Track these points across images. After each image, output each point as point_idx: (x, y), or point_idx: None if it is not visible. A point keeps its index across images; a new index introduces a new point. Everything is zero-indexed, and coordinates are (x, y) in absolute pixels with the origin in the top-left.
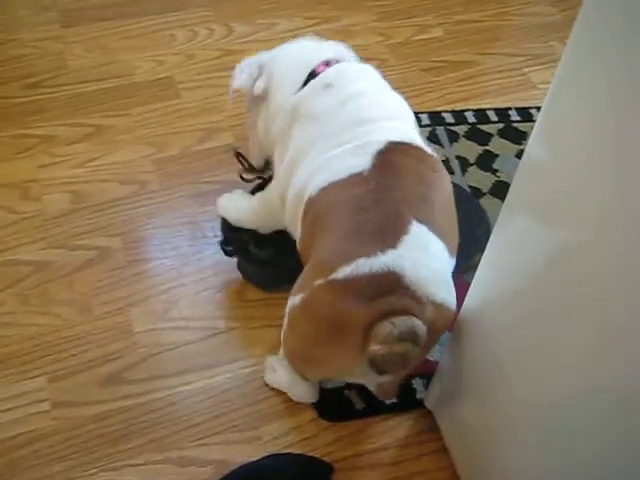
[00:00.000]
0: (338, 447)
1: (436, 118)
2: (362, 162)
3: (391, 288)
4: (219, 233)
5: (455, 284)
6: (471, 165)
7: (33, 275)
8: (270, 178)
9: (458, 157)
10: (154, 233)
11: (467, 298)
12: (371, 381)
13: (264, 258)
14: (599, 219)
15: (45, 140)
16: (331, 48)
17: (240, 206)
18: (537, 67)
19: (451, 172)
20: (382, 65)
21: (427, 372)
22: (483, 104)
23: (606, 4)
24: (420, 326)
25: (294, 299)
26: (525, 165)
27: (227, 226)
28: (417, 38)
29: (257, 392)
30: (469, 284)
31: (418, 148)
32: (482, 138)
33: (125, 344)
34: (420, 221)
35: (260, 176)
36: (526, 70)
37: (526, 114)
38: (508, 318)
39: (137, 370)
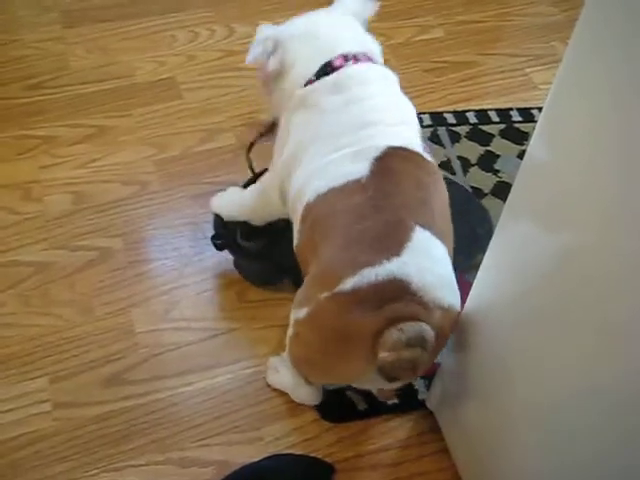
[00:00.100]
0: (339, 448)
1: (437, 119)
2: (360, 168)
3: (398, 295)
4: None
5: (457, 283)
6: (472, 165)
7: (34, 276)
8: (261, 173)
9: (460, 157)
10: (155, 234)
11: (469, 298)
12: (379, 387)
13: (255, 250)
14: (601, 220)
15: (47, 141)
16: (354, 38)
17: (233, 200)
18: (538, 67)
19: (453, 173)
20: None
21: (429, 373)
22: (484, 104)
23: (607, 4)
24: (428, 331)
25: (298, 312)
26: (527, 166)
27: (220, 222)
28: (418, 39)
29: (259, 393)
30: (471, 284)
31: (416, 153)
32: (483, 139)
33: (126, 345)
34: (422, 226)
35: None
36: (527, 70)
37: (528, 115)
38: (510, 318)
39: (138, 371)
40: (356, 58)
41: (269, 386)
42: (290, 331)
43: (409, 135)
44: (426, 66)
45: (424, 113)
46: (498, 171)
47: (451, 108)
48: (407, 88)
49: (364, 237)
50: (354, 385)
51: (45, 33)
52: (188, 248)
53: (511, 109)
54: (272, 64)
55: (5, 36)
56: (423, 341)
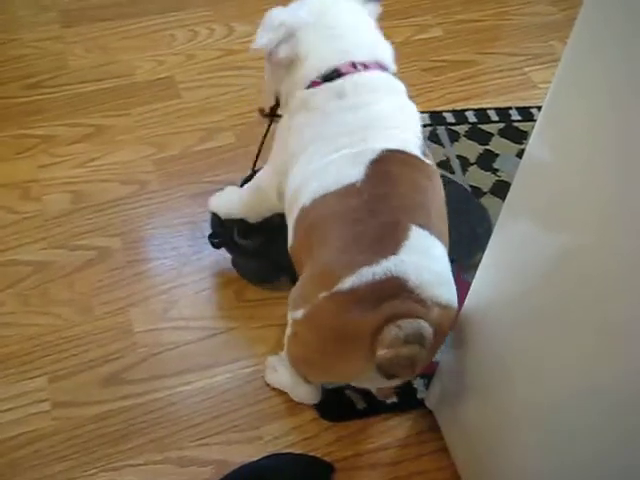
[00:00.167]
0: (339, 447)
1: (437, 118)
2: (356, 172)
3: (395, 293)
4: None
5: (456, 283)
6: (472, 165)
7: (33, 275)
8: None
9: (459, 156)
10: (154, 233)
11: (468, 298)
12: (378, 385)
13: (252, 248)
14: (600, 219)
15: (45, 140)
16: (368, 42)
17: (230, 198)
18: (537, 66)
19: (452, 172)
20: None
21: (428, 372)
22: (484, 104)
23: (606, 4)
24: (426, 328)
25: (296, 313)
26: (526, 165)
27: (217, 221)
28: (417, 38)
29: (258, 392)
30: (470, 283)
31: (414, 156)
32: (483, 138)
33: (125, 344)
34: (419, 225)
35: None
36: (526, 69)
37: (527, 114)
38: (509, 318)
39: (137, 370)
40: (366, 66)
41: (268, 385)
42: (288, 331)
43: (407, 138)
44: (425, 65)
45: (423, 112)
46: (497, 170)
47: (450, 107)
48: (406, 87)
49: (361, 239)
50: (353, 384)
51: (44, 32)
52: (187, 247)
53: (510, 108)
54: (283, 51)
55: (4, 35)
56: (421, 338)
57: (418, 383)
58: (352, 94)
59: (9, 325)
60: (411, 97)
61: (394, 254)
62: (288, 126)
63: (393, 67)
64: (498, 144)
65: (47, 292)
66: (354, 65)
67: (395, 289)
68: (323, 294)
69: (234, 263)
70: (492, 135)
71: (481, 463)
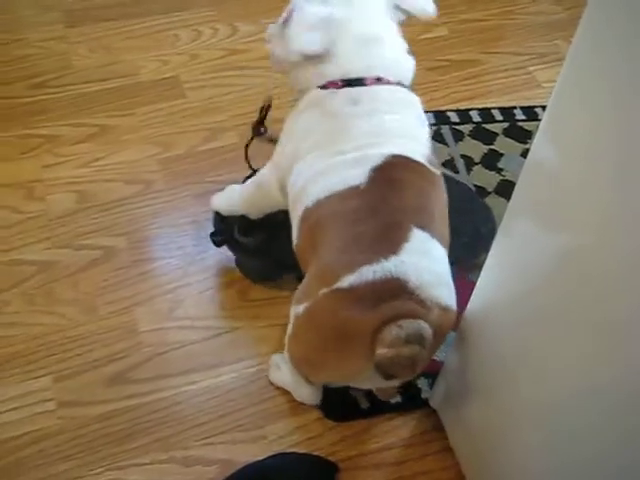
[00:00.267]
0: (343, 447)
1: (441, 117)
2: (360, 174)
3: (395, 293)
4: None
5: (460, 283)
6: (476, 164)
7: (38, 275)
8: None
9: (463, 156)
10: (159, 233)
11: (472, 298)
12: (376, 386)
13: (253, 246)
14: (603, 220)
15: (50, 140)
16: (394, 57)
17: (231, 195)
18: (542, 66)
19: (456, 171)
20: None
21: (432, 371)
22: (488, 103)
23: (609, 4)
24: (426, 328)
25: (297, 308)
26: (530, 166)
27: (219, 219)
28: (421, 37)
29: (262, 391)
30: (474, 283)
31: (418, 163)
32: (487, 137)
33: (130, 344)
34: (420, 227)
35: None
36: (531, 69)
37: (531, 113)
38: (513, 318)
39: (142, 370)
40: (389, 82)
41: (272, 385)
42: (289, 330)
43: (414, 147)
44: (429, 64)
45: (427, 112)
46: (502, 170)
47: (454, 107)
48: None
49: (362, 239)
50: (353, 385)
51: (48, 32)
52: (192, 247)
53: (515, 107)
54: (318, 45)
55: (8, 35)
56: (421, 338)
57: (422, 383)
58: (367, 102)
59: (14, 325)
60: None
61: (395, 254)
62: (296, 122)
63: (410, 81)
64: (502, 144)
65: (52, 292)
66: (379, 80)
67: (395, 290)
68: (323, 291)
69: (237, 261)
70: (496, 135)
71: (485, 463)
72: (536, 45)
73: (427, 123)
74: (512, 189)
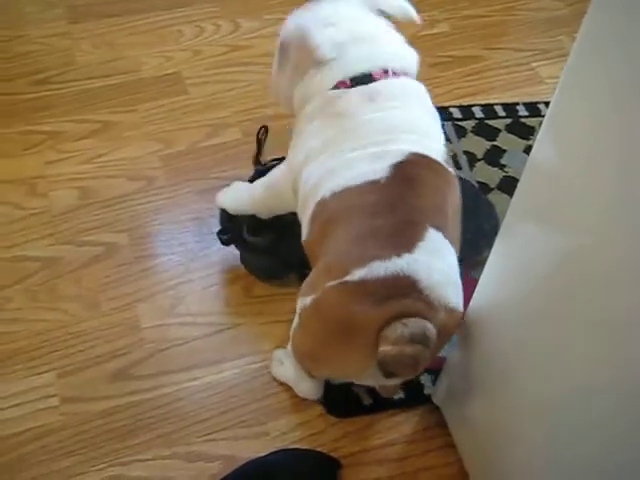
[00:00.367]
0: (345, 443)
1: (443, 113)
2: (380, 170)
3: (405, 291)
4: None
5: (463, 280)
6: (479, 160)
7: (41, 271)
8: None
9: (466, 152)
10: (161, 229)
11: (475, 295)
12: (379, 384)
13: (263, 245)
14: (605, 220)
15: (52, 136)
16: (396, 49)
17: (238, 195)
18: (544, 62)
19: (459, 168)
20: None
21: (435, 368)
22: (490, 99)
23: (610, 4)
24: (431, 329)
25: (305, 300)
26: (531, 166)
27: (226, 216)
28: (423, 33)
29: (265, 387)
30: (477, 281)
31: (436, 162)
32: (490, 133)
33: (132, 340)
34: (436, 228)
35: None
36: (534, 65)
37: (534, 109)
38: (515, 315)
39: (144, 366)
40: (395, 73)
41: (275, 381)
42: (295, 322)
43: (431, 145)
44: (431, 61)
45: None
46: (504, 166)
47: (457, 103)
48: None
49: (377, 233)
50: (355, 381)
51: (51, 29)
52: (194, 243)
53: (517, 104)
54: (326, 45)
55: (11, 32)
56: (425, 338)
57: (425, 379)
58: (384, 98)
59: (17, 321)
60: None
61: (408, 252)
62: (310, 123)
63: (415, 73)
64: (505, 140)
65: (54, 288)
66: (386, 72)
67: (405, 288)
68: (332, 283)
69: (242, 259)
70: (499, 131)
71: (488, 459)
72: (538, 41)
73: (438, 116)
74: (515, 185)
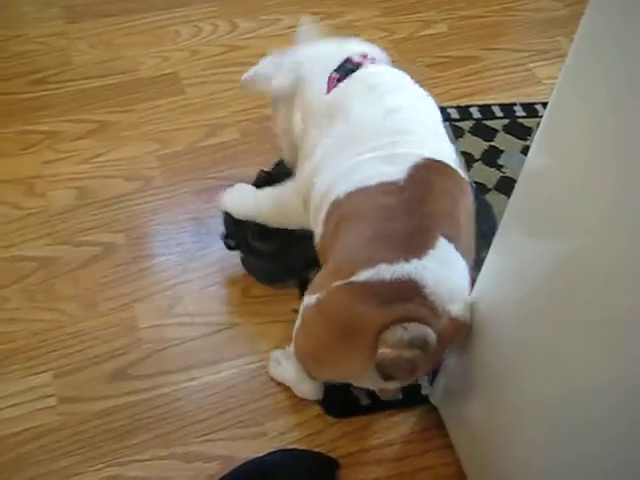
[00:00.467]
0: (343, 443)
1: (441, 114)
2: (397, 172)
3: (409, 296)
4: (223, 229)
5: None
6: (476, 161)
7: (38, 271)
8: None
9: (463, 153)
10: (159, 229)
11: (473, 295)
12: (377, 387)
13: (268, 251)
14: (602, 221)
15: (50, 136)
16: (366, 46)
17: (245, 201)
18: (542, 62)
19: None
20: None
21: (434, 368)
22: (488, 100)
23: (607, 6)
24: (431, 335)
25: (310, 298)
26: (529, 168)
27: (231, 220)
28: (421, 34)
29: (263, 388)
30: (474, 281)
31: (449, 166)
32: (487, 134)
33: (130, 340)
34: (447, 238)
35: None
36: (531, 65)
37: (531, 110)
38: (513, 315)
39: (142, 366)
40: (372, 59)
41: (273, 381)
42: (297, 322)
43: (442, 147)
44: (429, 61)
45: None
46: (502, 166)
47: (454, 103)
48: None
49: (390, 235)
50: (355, 384)
51: (48, 28)
52: (192, 243)
53: (515, 104)
54: (286, 80)
55: (8, 32)
56: (425, 344)
57: (423, 379)
58: (380, 90)
59: (15, 321)
60: None
61: (417, 258)
62: (318, 133)
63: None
64: (503, 140)
65: (52, 288)
66: (365, 56)
67: (410, 292)
68: (337, 283)
69: (244, 262)
70: (497, 131)
71: (486, 459)
72: (536, 42)
73: (432, 100)
74: (512, 186)
